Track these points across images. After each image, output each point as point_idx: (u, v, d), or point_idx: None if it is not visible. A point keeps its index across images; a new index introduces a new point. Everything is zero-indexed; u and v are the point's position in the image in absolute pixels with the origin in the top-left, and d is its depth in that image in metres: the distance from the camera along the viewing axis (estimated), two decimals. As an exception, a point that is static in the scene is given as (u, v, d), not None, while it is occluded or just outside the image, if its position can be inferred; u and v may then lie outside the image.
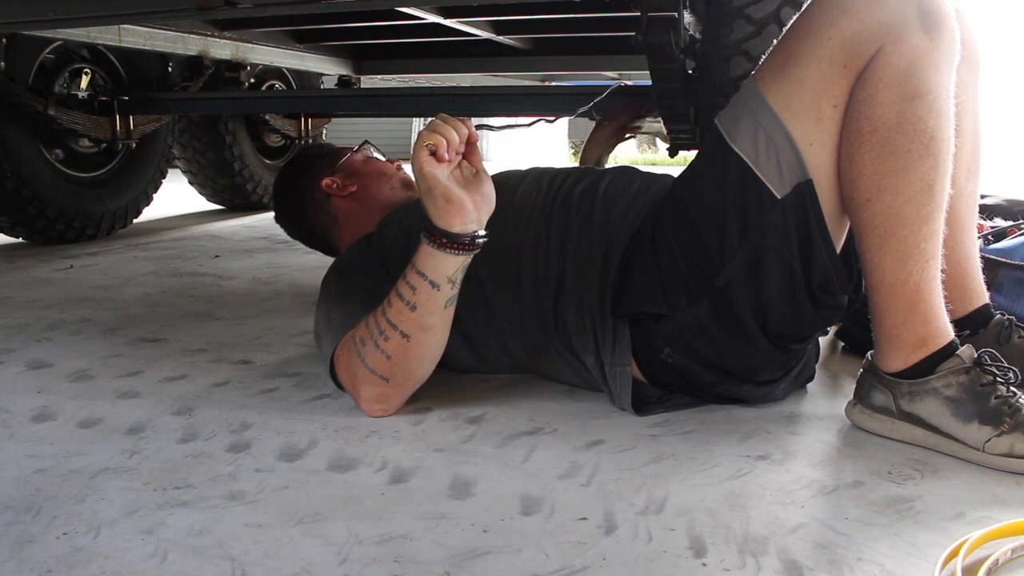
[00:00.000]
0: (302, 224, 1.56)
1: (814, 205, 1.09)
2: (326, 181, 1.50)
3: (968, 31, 1.23)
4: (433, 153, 1.08)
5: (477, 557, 0.82)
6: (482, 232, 1.12)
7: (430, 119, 1.13)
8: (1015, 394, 1.05)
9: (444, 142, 1.08)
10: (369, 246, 1.40)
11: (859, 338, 1.54)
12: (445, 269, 1.11)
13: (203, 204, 4.33)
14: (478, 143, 1.14)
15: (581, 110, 1.84)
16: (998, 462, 1.02)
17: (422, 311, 1.13)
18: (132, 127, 3.16)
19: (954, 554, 0.80)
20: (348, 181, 1.51)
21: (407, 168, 1.51)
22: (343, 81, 4.17)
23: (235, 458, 1.07)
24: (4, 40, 2.68)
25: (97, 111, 3.08)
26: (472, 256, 1.13)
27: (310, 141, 4.30)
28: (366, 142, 1.62)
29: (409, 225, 1.37)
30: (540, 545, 0.85)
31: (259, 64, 3.57)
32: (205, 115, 3.78)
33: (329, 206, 1.52)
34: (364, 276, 1.33)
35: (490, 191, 1.14)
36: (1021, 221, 1.99)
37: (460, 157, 1.12)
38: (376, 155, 1.61)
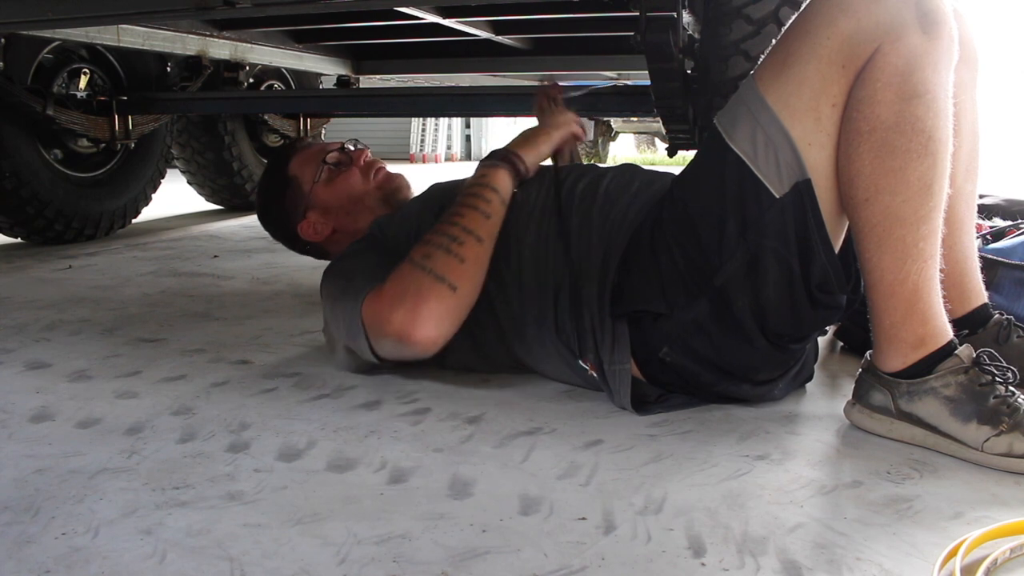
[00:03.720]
0: (295, 247, 1.59)
1: (812, 204, 1.09)
2: (302, 227, 1.50)
3: (966, 31, 1.23)
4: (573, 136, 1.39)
5: (476, 557, 0.82)
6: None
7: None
8: (1014, 394, 1.05)
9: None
10: (374, 239, 1.41)
11: (858, 338, 1.54)
12: (509, 191, 1.29)
13: (202, 204, 4.33)
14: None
15: (573, 95, 1.88)
16: (997, 462, 1.03)
17: (495, 219, 1.25)
18: (131, 127, 3.16)
19: (953, 554, 0.80)
20: (323, 219, 1.50)
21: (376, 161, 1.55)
22: (342, 81, 4.17)
23: (234, 458, 1.07)
24: (2, 40, 2.68)
25: (96, 111, 3.08)
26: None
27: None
28: (344, 143, 1.57)
29: (408, 228, 1.38)
30: (539, 545, 0.85)
31: (258, 64, 3.57)
32: (204, 115, 3.78)
33: (314, 244, 1.55)
34: (376, 255, 1.35)
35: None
36: (1020, 221, 1.99)
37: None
38: (347, 147, 1.55)
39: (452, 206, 1.27)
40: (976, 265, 1.34)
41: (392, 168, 1.59)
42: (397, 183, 1.53)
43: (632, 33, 1.59)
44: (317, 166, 1.50)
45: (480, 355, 1.36)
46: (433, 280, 1.17)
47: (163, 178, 3.54)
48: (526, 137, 1.35)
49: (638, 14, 1.57)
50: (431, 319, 1.18)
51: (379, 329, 1.21)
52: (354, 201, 1.49)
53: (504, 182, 1.28)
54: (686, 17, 1.68)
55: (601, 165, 1.42)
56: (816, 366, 1.37)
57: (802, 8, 1.10)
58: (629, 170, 1.35)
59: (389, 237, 1.40)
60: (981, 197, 2.32)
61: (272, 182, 1.56)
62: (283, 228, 1.55)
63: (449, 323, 1.20)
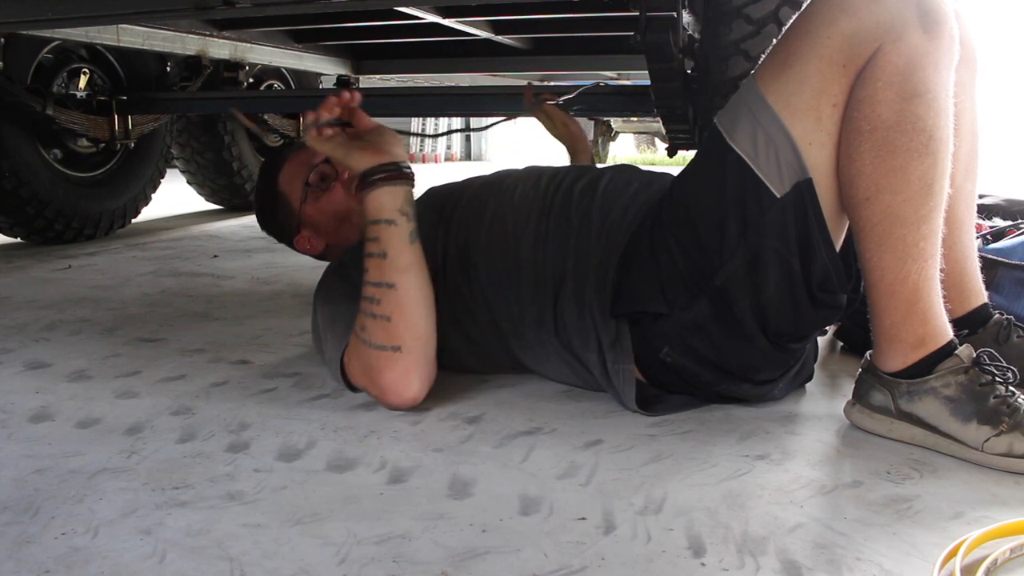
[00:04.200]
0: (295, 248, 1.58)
1: (813, 204, 1.09)
2: (298, 242, 1.51)
3: (966, 32, 1.22)
4: (318, 131, 1.19)
5: (476, 557, 0.82)
6: (405, 164, 1.20)
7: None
8: (1014, 394, 1.05)
9: (320, 117, 1.19)
10: None
11: (858, 338, 1.54)
12: (392, 203, 1.18)
13: (201, 204, 4.33)
14: (357, 107, 1.22)
15: (563, 98, 1.88)
16: (997, 462, 1.02)
17: (392, 253, 1.17)
18: (130, 127, 3.16)
19: (953, 554, 0.80)
20: (317, 236, 1.50)
21: None
22: (342, 81, 4.17)
23: (234, 458, 1.07)
24: (2, 40, 2.68)
25: (95, 111, 3.08)
26: (411, 187, 1.20)
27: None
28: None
29: None
30: (539, 545, 0.85)
31: (258, 64, 3.57)
32: (203, 115, 3.78)
33: (313, 252, 1.54)
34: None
35: (389, 135, 1.22)
36: (1020, 221, 1.99)
37: (340, 126, 1.22)
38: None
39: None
40: (976, 265, 1.34)
41: None
42: None
43: (632, 33, 1.59)
44: (303, 183, 1.47)
45: (479, 357, 1.36)
46: (377, 352, 1.17)
47: (163, 178, 3.53)
48: (345, 164, 1.24)
49: (638, 14, 1.57)
50: (395, 386, 1.19)
51: (363, 391, 1.25)
52: (340, 219, 1.47)
53: (374, 203, 1.18)
54: (686, 17, 1.68)
55: (598, 165, 1.42)
56: (816, 366, 1.37)
57: (803, 8, 1.10)
58: (627, 170, 1.35)
59: None
60: (981, 197, 2.32)
61: (264, 197, 1.55)
62: (282, 239, 1.56)
63: (414, 378, 1.20)
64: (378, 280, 1.17)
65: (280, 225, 1.53)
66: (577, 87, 2.18)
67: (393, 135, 1.23)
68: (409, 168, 1.20)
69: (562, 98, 1.93)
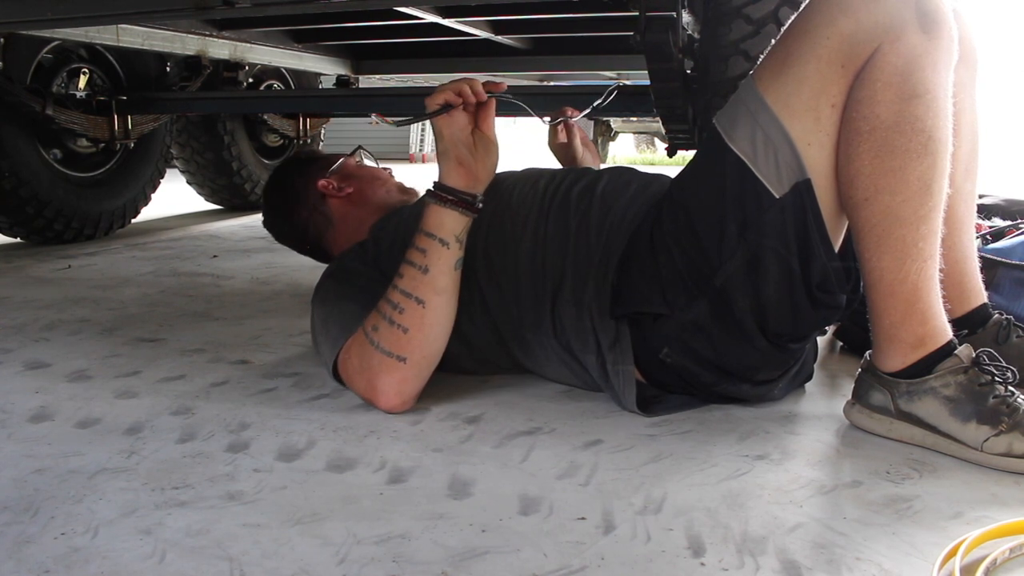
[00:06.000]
0: (295, 225, 1.54)
1: (812, 204, 1.09)
2: (322, 182, 1.50)
3: (966, 31, 1.23)
4: (449, 108, 1.17)
5: (475, 557, 0.82)
6: (481, 197, 1.20)
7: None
8: (1013, 393, 1.06)
9: (460, 100, 1.18)
10: (364, 252, 1.41)
11: (857, 338, 1.54)
12: (452, 227, 1.18)
13: (201, 204, 4.33)
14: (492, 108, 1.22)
15: (583, 113, 1.83)
16: (996, 461, 1.03)
17: (434, 272, 1.17)
18: (130, 127, 3.16)
19: (952, 553, 0.80)
20: (344, 183, 1.51)
21: (396, 171, 1.55)
22: (341, 81, 4.17)
23: (233, 458, 1.07)
24: (2, 40, 2.68)
25: (95, 111, 3.08)
26: (472, 219, 1.20)
27: (308, 141, 4.30)
28: (359, 147, 1.62)
29: (405, 232, 1.37)
30: (538, 545, 0.85)
31: (257, 64, 3.57)
32: (203, 115, 3.78)
33: (324, 207, 1.51)
34: (361, 280, 1.34)
35: (496, 161, 1.22)
36: (1019, 221, 1.99)
37: (472, 124, 1.21)
38: (368, 162, 1.61)
39: (402, 256, 1.22)
40: (976, 265, 1.34)
41: (392, 166, 1.62)
42: (411, 189, 1.58)
43: (632, 33, 1.59)
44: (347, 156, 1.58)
45: (477, 359, 1.36)
46: (382, 356, 1.18)
47: (162, 178, 3.53)
48: (439, 160, 1.22)
49: (638, 14, 1.57)
50: (388, 391, 1.20)
51: (351, 388, 1.25)
52: (375, 179, 1.54)
53: (436, 218, 1.18)
54: (686, 17, 1.68)
55: (595, 167, 1.41)
56: (816, 366, 1.37)
57: (801, 8, 1.10)
58: (625, 172, 1.35)
59: (384, 243, 1.39)
60: (981, 197, 2.32)
61: (303, 153, 1.62)
62: (298, 184, 1.53)
63: (410, 387, 1.21)
64: (409, 291, 1.18)
65: (307, 169, 1.54)
66: (579, 87, 2.17)
67: (494, 164, 1.22)
68: (482, 204, 1.21)
69: (596, 103, 1.82)
